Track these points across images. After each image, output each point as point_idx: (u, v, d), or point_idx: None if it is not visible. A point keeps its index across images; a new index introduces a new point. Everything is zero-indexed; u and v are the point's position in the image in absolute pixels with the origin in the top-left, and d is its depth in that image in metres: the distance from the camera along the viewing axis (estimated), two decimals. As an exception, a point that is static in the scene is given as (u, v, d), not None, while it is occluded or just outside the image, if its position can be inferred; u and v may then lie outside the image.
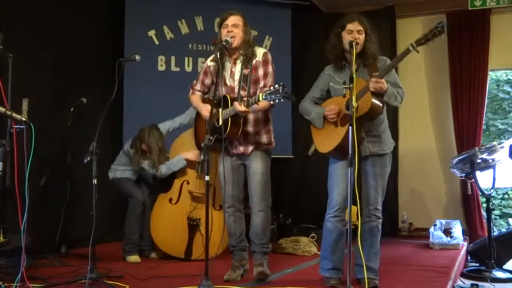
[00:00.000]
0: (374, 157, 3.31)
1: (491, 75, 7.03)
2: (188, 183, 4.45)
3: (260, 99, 3.19)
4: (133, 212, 4.42)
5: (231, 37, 3.47)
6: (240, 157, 3.63)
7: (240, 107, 3.30)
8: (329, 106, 3.31)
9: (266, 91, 3.17)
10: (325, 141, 3.33)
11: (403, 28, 6.14)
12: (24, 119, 3.08)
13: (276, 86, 3.10)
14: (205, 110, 3.57)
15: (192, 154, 4.46)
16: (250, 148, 3.57)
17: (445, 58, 5.83)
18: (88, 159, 3.32)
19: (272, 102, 3.17)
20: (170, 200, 4.44)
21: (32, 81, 4.56)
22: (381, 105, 3.16)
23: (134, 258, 4.33)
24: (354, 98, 2.93)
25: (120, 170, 4.59)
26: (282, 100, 3.11)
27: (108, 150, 5.00)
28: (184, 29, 5.65)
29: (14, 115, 3.07)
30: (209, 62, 3.70)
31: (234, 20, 3.52)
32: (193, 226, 4.36)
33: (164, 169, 4.46)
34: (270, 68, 3.55)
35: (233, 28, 3.50)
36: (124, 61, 3.77)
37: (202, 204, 4.32)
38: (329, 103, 3.36)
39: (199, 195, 4.40)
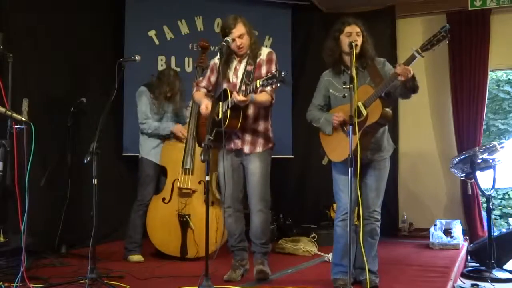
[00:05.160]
0: (373, 161, 3.31)
1: (491, 75, 7.03)
2: (178, 180, 4.42)
3: (258, 85, 3.21)
4: (137, 212, 4.41)
5: (240, 47, 3.52)
6: (239, 155, 3.62)
7: (238, 96, 3.31)
8: (337, 113, 3.29)
9: (263, 78, 3.19)
10: (336, 149, 3.31)
11: (403, 28, 6.13)
12: (24, 119, 3.08)
13: (273, 71, 3.16)
14: (204, 104, 3.58)
15: (177, 129, 4.43)
16: (247, 145, 3.57)
17: (445, 58, 5.82)
18: (88, 159, 3.32)
19: (271, 92, 3.26)
20: (164, 199, 4.41)
21: (32, 81, 4.56)
22: (391, 111, 3.15)
23: (138, 257, 4.31)
24: (356, 100, 2.92)
25: (146, 148, 4.48)
26: (279, 85, 3.17)
27: (108, 150, 4.99)
28: (184, 29, 5.65)
29: (14, 115, 3.07)
30: (216, 60, 3.69)
31: (239, 30, 3.51)
32: (183, 222, 4.32)
33: (156, 124, 4.41)
34: (273, 68, 3.55)
35: (240, 39, 3.51)
36: (124, 61, 3.78)
37: (191, 199, 4.34)
38: (338, 110, 3.34)
39: (188, 191, 4.36)
